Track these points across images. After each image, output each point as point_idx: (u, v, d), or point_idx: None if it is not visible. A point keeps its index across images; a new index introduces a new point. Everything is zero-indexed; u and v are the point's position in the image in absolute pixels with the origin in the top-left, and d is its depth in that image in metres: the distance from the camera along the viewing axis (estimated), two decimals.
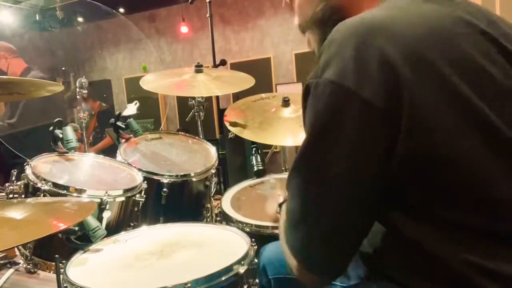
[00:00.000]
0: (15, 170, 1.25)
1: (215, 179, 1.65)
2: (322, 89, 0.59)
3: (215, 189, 1.67)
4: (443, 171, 0.57)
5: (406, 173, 0.57)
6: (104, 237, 1.09)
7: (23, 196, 1.20)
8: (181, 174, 1.51)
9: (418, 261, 0.61)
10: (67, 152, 1.41)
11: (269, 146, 1.93)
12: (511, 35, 0.64)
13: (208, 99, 2.41)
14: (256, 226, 1.24)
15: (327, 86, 0.58)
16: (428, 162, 0.57)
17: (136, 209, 1.33)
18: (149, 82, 1.89)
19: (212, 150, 1.74)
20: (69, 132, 1.40)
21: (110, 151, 1.59)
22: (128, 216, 1.31)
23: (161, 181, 1.46)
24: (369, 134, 0.56)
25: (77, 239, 1.08)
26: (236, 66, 5.73)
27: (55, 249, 1.09)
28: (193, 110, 2.06)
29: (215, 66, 2.92)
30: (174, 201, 1.46)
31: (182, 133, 1.94)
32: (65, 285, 0.86)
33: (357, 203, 0.60)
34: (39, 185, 1.17)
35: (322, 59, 0.61)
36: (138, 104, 1.71)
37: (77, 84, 2.00)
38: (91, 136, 3.82)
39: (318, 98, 0.59)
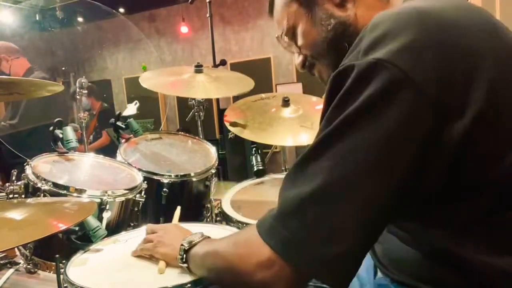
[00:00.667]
0: (15, 170, 1.25)
1: (215, 179, 1.65)
2: (368, 68, 0.53)
3: (215, 189, 1.67)
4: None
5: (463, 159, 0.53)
6: (104, 237, 1.09)
7: (23, 196, 1.20)
8: (181, 174, 1.51)
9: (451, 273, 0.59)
10: (67, 152, 1.41)
11: (269, 146, 1.93)
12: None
13: (208, 99, 2.41)
14: None
15: (376, 66, 0.53)
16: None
17: (136, 209, 1.33)
18: (149, 80, 1.89)
19: (212, 150, 1.74)
20: (69, 132, 1.40)
21: (110, 151, 1.59)
22: (128, 216, 1.31)
23: (161, 181, 1.46)
24: (416, 120, 0.52)
25: (77, 239, 1.08)
26: (236, 66, 5.74)
27: (55, 249, 1.09)
28: (193, 110, 2.06)
29: (215, 66, 2.92)
30: (174, 201, 1.46)
31: (182, 133, 1.94)
32: (65, 285, 0.86)
33: (388, 195, 0.55)
34: (39, 185, 1.17)
35: (364, 43, 0.56)
36: (138, 104, 1.71)
37: (77, 84, 2.00)
38: (91, 136, 3.82)
39: (364, 78, 0.53)
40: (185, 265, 0.81)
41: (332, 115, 0.56)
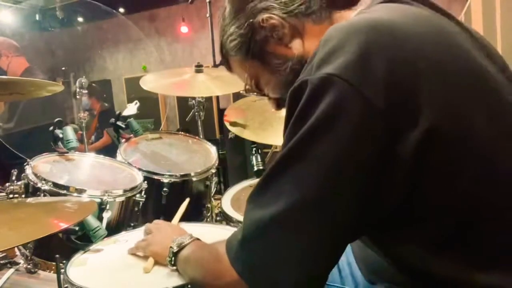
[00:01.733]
0: (15, 170, 1.25)
1: (215, 179, 1.65)
2: (320, 83, 0.53)
3: (215, 189, 1.67)
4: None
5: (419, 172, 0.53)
6: (105, 237, 1.09)
7: (23, 196, 1.20)
8: (181, 174, 1.51)
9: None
10: (67, 152, 1.40)
11: (269, 146, 1.93)
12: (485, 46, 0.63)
13: (208, 99, 2.41)
14: None
15: (326, 81, 0.53)
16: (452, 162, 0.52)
17: (136, 209, 1.33)
18: (149, 82, 1.89)
19: (212, 150, 1.74)
20: (69, 132, 1.40)
21: (110, 151, 1.59)
22: (129, 216, 1.31)
23: (161, 181, 1.45)
24: (368, 133, 0.52)
25: (78, 239, 1.08)
26: None
27: (55, 249, 1.09)
28: (193, 110, 2.06)
29: (215, 66, 2.92)
30: (174, 201, 1.46)
31: (182, 133, 1.94)
32: (65, 285, 0.86)
33: (348, 215, 0.54)
34: (39, 185, 1.17)
35: (316, 58, 0.56)
36: (138, 104, 1.71)
37: (77, 84, 2.00)
38: (93, 136, 3.82)
39: (316, 94, 0.53)
40: (174, 267, 0.82)
41: (290, 133, 0.56)
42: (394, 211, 0.55)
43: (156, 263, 0.89)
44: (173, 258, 0.81)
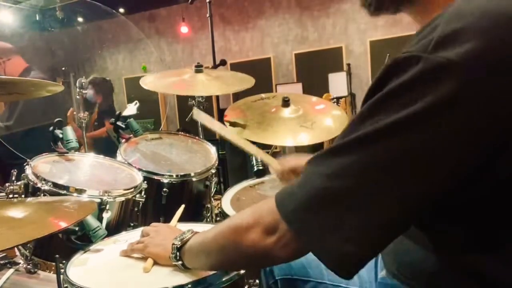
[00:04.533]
0: (15, 170, 1.25)
1: (215, 179, 1.65)
2: (437, 68, 0.47)
3: (215, 189, 1.67)
4: None
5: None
6: (104, 237, 1.09)
7: (23, 196, 1.20)
8: (181, 174, 1.51)
9: None
10: (67, 152, 1.40)
11: (269, 146, 1.93)
12: None
13: (208, 99, 2.41)
14: None
15: (444, 67, 0.47)
16: None
17: (136, 209, 1.33)
18: (149, 82, 1.89)
19: (212, 150, 1.74)
20: (69, 132, 1.40)
21: (110, 151, 1.59)
22: (128, 216, 1.31)
23: (161, 181, 1.45)
24: (476, 133, 0.48)
25: (77, 239, 1.08)
26: (236, 66, 5.74)
27: (55, 249, 1.09)
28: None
29: (215, 66, 2.92)
30: (174, 201, 1.46)
31: (182, 133, 1.94)
32: (65, 285, 0.86)
33: (420, 203, 0.52)
34: (39, 185, 1.17)
35: (436, 33, 0.49)
36: (138, 104, 1.71)
37: (77, 84, 2.00)
38: (91, 131, 3.81)
39: (430, 77, 0.48)
40: (180, 262, 0.82)
41: (382, 107, 0.51)
42: (464, 203, 0.54)
43: (156, 264, 0.89)
44: (177, 253, 0.81)
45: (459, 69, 0.47)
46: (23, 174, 1.22)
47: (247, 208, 0.68)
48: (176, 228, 0.99)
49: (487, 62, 0.47)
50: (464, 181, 0.51)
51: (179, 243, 0.81)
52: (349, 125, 0.55)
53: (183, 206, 1.22)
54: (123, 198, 1.25)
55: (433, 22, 0.52)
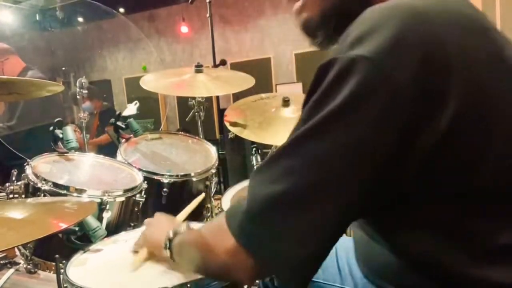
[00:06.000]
0: (15, 170, 1.25)
1: (215, 179, 1.65)
2: (351, 65, 0.52)
3: (215, 189, 1.67)
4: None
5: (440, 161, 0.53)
6: (104, 237, 1.09)
7: (23, 196, 1.20)
8: (181, 174, 1.51)
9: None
10: (67, 152, 1.41)
11: (269, 146, 1.93)
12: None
13: (208, 99, 2.41)
14: None
15: (358, 63, 0.51)
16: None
17: (136, 209, 1.33)
18: (149, 82, 1.89)
19: (212, 150, 1.74)
20: (69, 132, 1.41)
21: (110, 151, 1.59)
22: (128, 216, 1.31)
23: (162, 181, 1.45)
24: (393, 120, 0.51)
25: (77, 239, 1.08)
26: (236, 66, 5.74)
27: (55, 249, 1.09)
28: (193, 110, 2.06)
29: (215, 66, 2.92)
30: (174, 201, 1.46)
31: (182, 133, 1.94)
32: (65, 285, 0.86)
33: (360, 197, 0.55)
34: (39, 185, 1.17)
35: (350, 37, 0.55)
36: (138, 104, 1.71)
37: (77, 84, 2.00)
38: (94, 136, 3.81)
39: (343, 75, 0.52)
40: (169, 253, 0.81)
41: (311, 110, 0.55)
42: (405, 196, 0.55)
43: (152, 256, 0.89)
44: (167, 244, 0.80)
45: (368, 63, 0.51)
46: (23, 174, 1.22)
47: (216, 218, 0.67)
48: (176, 219, 0.99)
49: (394, 54, 0.51)
50: (389, 171, 0.53)
51: (172, 235, 0.80)
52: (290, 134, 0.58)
53: (202, 195, 1.20)
54: (123, 198, 1.25)
55: (347, 30, 0.57)
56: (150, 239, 0.91)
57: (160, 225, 0.92)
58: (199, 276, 0.81)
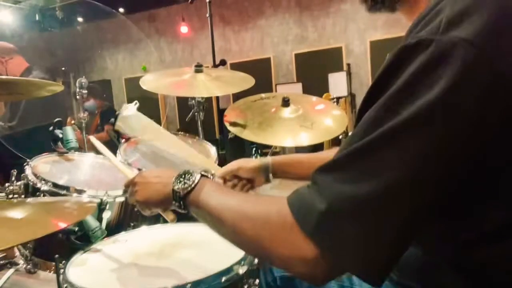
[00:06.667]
0: (15, 170, 1.25)
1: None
2: (450, 49, 0.46)
3: None
4: None
5: None
6: (104, 237, 1.09)
7: (23, 196, 1.20)
8: None
9: None
10: (67, 152, 1.41)
11: (269, 146, 1.93)
12: None
13: (208, 99, 2.41)
14: None
15: (459, 47, 0.46)
16: None
17: (136, 209, 1.32)
18: (149, 82, 1.89)
19: (212, 150, 1.74)
20: (69, 132, 1.41)
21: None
22: (128, 216, 1.31)
23: None
24: (495, 109, 0.47)
25: (77, 239, 1.08)
26: (236, 66, 5.74)
27: (55, 249, 1.09)
28: (193, 110, 2.06)
29: (215, 66, 2.92)
30: None
31: (182, 133, 1.94)
32: (65, 285, 0.86)
33: (444, 197, 0.50)
34: (39, 185, 1.17)
35: (445, 15, 0.49)
36: (138, 104, 1.71)
37: (77, 84, 2.00)
38: (93, 134, 3.82)
39: (441, 60, 0.47)
40: (184, 211, 0.73)
41: (401, 98, 0.49)
42: (469, 194, 0.52)
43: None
44: (181, 203, 0.71)
45: (470, 48, 0.46)
46: (23, 174, 1.22)
47: (265, 202, 0.61)
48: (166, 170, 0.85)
49: (499, 37, 0.47)
50: (478, 166, 0.49)
51: (182, 191, 0.70)
52: (364, 124, 0.52)
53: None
54: (123, 198, 1.25)
55: (436, 7, 0.51)
56: (144, 195, 0.82)
57: (152, 172, 0.83)
58: (199, 277, 0.81)
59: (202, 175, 0.72)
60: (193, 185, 0.70)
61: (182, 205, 0.71)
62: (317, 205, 0.52)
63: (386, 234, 0.50)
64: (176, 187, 0.71)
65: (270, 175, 1.17)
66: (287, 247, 0.55)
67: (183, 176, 0.72)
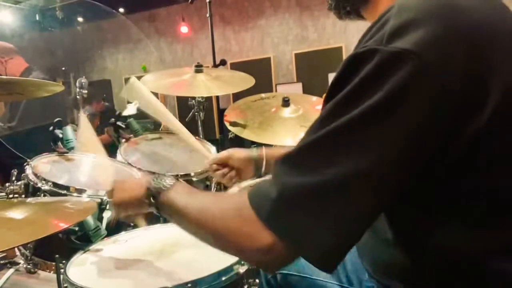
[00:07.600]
0: (15, 170, 1.25)
1: (215, 179, 1.64)
2: (392, 58, 0.50)
3: (215, 189, 1.67)
4: None
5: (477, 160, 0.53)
6: (104, 237, 1.09)
7: (23, 196, 1.20)
8: (181, 174, 1.51)
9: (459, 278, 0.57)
10: (67, 152, 1.41)
11: (269, 146, 1.93)
12: None
13: (208, 99, 2.41)
14: None
15: (401, 56, 0.49)
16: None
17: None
18: (149, 82, 1.89)
19: (212, 150, 1.74)
20: (69, 132, 1.41)
21: (110, 151, 1.59)
22: None
23: None
24: (438, 115, 0.50)
25: (77, 239, 1.08)
26: (236, 66, 5.74)
27: (55, 249, 1.09)
28: (193, 110, 2.06)
29: (215, 66, 2.92)
30: None
31: None
32: (65, 285, 0.86)
33: (395, 191, 0.54)
34: (39, 185, 1.17)
35: (389, 26, 0.52)
36: (138, 104, 1.71)
37: (77, 84, 2.00)
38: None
39: (386, 68, 0.50)
40: (155, 210, 0.76)
41: (348, 101, 0.53)
42: (438, 191, 0.55)
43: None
44: (152, 200, 0.74)
45: (414, 57, 0.49)
46: (23, 174, 1.22)
47: (235, 203, 0.63)
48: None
49: (441, 48, 0.50)
50: (426, 165, 0.53)
51: (155, 187, 0.74)
52: (316, 122, 0.57)
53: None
54: None
55: (383, 17, 0.55)
56: (120, 196, 0.85)
57: (126, 184, 0.87)
58: (199, 276, 0.81)
59: (175, 179, 0.76)
60: (167, 185, 0.74)
61: (154, 204, 0.75)
62: (271, 194, 0.56)
63: (335, 221, 0.53)
64: (150, 186, 0.75)
65: (263, 169, 1.18)
66: (243, 236, 0.58)
67: (158, 178, 0.76)
